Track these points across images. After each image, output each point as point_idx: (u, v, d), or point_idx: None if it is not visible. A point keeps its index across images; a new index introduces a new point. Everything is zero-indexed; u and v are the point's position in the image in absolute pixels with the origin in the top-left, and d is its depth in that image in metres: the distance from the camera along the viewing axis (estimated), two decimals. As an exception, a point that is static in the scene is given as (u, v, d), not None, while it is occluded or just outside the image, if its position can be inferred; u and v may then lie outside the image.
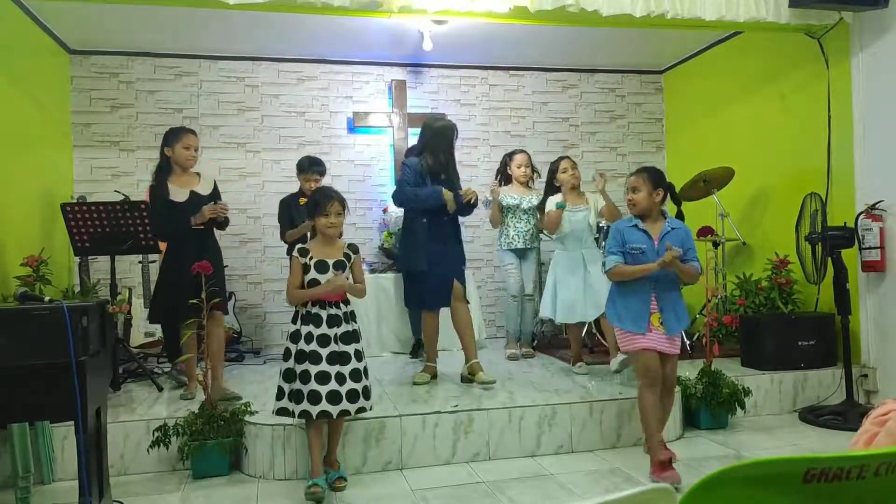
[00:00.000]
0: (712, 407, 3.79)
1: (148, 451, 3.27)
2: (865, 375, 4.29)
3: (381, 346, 5.36)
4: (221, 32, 5.32)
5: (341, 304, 3.10)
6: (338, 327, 3.05)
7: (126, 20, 4.99)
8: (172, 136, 3.95)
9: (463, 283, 4.20)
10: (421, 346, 5.01)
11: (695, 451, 3.53)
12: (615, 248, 3.23)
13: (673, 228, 3.22)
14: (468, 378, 4.06)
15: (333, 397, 2.96)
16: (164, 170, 3.93)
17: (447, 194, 4.02)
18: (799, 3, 4.17)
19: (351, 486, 3.14)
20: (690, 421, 3.89)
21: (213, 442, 3.24)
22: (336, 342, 3.02)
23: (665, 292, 3.18)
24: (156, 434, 3.25)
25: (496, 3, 3.90)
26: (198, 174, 4.02)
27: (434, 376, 4.26)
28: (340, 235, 3.24)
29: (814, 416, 4.01)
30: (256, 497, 3.06)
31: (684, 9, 4.09)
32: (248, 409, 3.41)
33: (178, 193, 3.87)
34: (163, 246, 4.25)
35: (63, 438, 3.27)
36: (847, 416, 3.88)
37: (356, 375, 3.04)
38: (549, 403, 3.60)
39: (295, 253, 3.10)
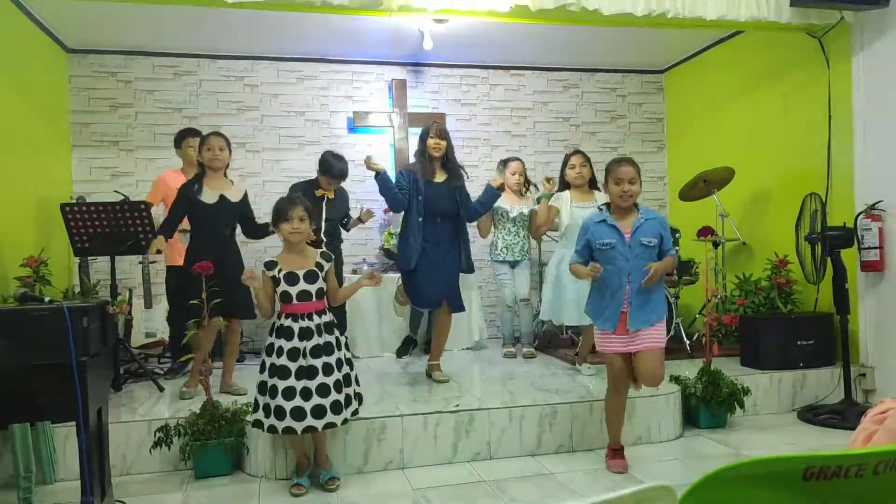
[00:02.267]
0: (712, 406, 3.81)
1: (150, 451, 3.27)
2: (864, 374, 4.30)
3: (382, 347, 5.36)
4: (220, 31, 5.32)
5: (314, 316, 3.03)
6: (308, 340, 2.99)
7: (124, 19, 4.99)
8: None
9: (453, 293, 4.13)
10: (411, 344, 5.15)
11: (694, 450, 3.54)
12: (578, 247, 3.26)
13: (647, 220, 3.12)
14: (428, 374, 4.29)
15: (298, 414, 2.93)
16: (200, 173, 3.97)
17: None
18: (800, 2, 4.16)
19: (352, 485, 3.15)
20: (690, 420, 3.90)
21: (215, 442, 3.25)
22: (304, 356, 2.98)
23: (639, 287, 3.06)
24: (158, 434, 3.26)
25: (497, 1, 3.90)
26: (231, 181, 4.05)
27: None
28: (330, 242, 3.24)
29: (812, 415, 4.02)
30: (258, 496, 3.07)
31: (685, 8, 4.09)
32: (250, 409, 3.40)
33: (208, 195, 3.87)
34: (177, 249, 4.27)
35: (65, 439, 3.28)
36: (845, 414, 3.89)
37: (323, 391, 2.96)
38: (549, 403, 3.61)
39: (262, 267, 3.06)
